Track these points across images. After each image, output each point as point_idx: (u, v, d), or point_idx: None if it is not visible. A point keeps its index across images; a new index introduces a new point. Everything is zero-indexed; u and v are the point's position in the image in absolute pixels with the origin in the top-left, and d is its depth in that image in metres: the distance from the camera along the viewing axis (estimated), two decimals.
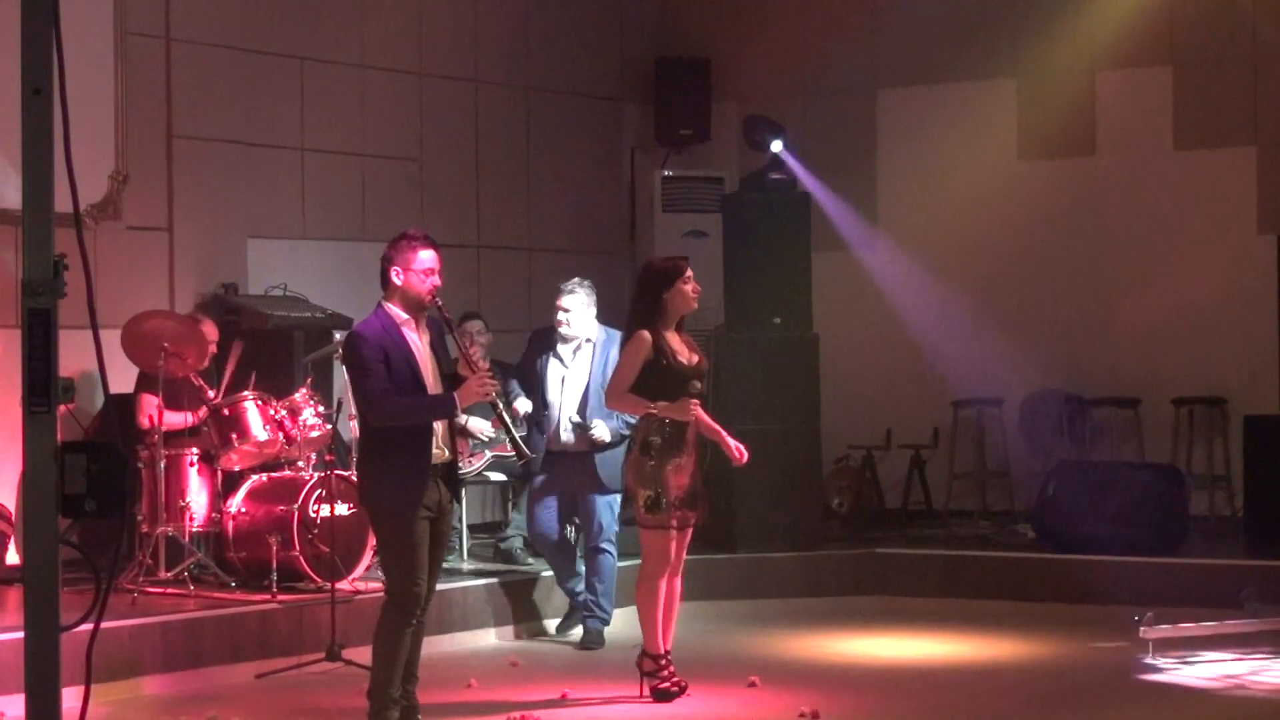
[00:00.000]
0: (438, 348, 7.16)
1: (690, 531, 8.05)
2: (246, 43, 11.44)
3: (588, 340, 9.50)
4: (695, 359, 7.97)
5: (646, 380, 7.87)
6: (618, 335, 8.93)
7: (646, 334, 7.88)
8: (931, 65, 13.66)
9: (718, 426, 8.18)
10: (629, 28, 14.28)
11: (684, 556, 8.07)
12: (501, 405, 7.39)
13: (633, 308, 8.10)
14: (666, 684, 7.93)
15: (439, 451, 7.07)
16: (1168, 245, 12.93)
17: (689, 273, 8.00)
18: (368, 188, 12.29)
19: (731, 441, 8.11)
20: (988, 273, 13.40)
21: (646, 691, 7.96)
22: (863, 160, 13.88)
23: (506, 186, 13.29)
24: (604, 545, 9.49)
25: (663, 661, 7.96)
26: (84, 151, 5.06)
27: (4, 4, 5.39)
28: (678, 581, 8.07)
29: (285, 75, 11.75)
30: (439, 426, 7.09)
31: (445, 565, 9.62)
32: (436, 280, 7.07)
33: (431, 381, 7.07)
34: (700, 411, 7.98)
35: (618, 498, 9.47)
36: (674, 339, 7.95)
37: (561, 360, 9.59)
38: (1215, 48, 12.83)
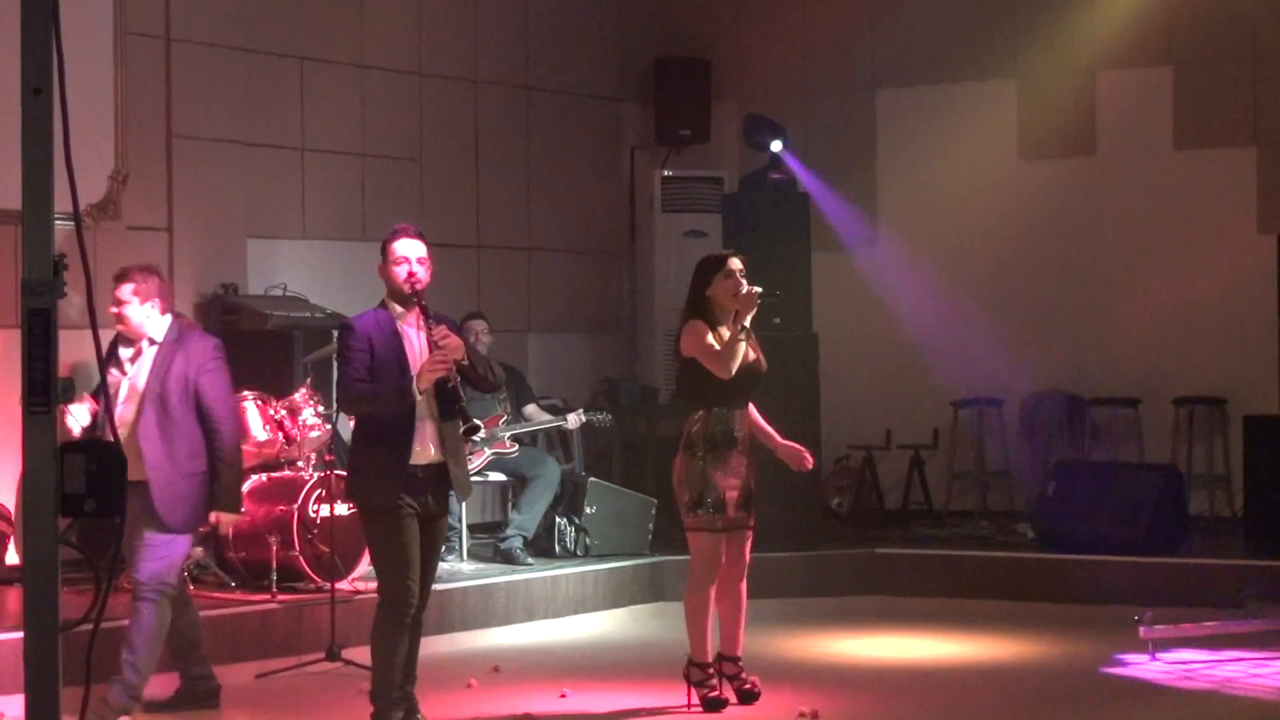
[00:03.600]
0: (434, 343, 7.03)
1: (750, 535, 7.83)
2: (246, 43, 11.44)
3: (150, 343, 7.51)
4: (751, 356, 7.74)
5: (695, 378, 7.73)
6: (198, 336, 7.67)
7: (697, 320, 7.69)
8: (931, 65, 13.66)
9: (771, 430, 7.91)
10: (629, 28, 14.28)
11: (748, 560, 7.84)
12: (456, 380, 6.95)
13: (685, 305, 7.90)
14: (716, 693, 7.74)
15: (422, 450, 6.95)
16: (1168, 245, 12.93)
17: (730, 266, 7.74)
18: (368, 188, 12.29)
19: (794, 445, 7.86)
20: (988, 273, 13.40)
21: (695, 701, 7.77)
22: (863, 160, 13.88)
23: (506, 186, 13.28)
24: (146, 595, 7.37)
25: (710, 670, 7.78)
26: (84, 151, 5.05)
27: (4, 4, 5.39)
28: (744, 585, 7.85)
29: (285, 75, 11.74)
30: (428, 426, 6.98)
31: (445, 565, 9.65)
32: (412, 268, 6.98)
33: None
34: (755, 414, 7.85)
35: (178, 540, 7.44)
36: (709, 335, 7.73)
37: (122, 366, 7.55)
38: (1215, 48, 12.83)
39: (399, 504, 6.90)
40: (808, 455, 7.91)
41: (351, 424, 7.99)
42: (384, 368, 6.95)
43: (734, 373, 7.64)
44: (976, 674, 8.85)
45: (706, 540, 7.70)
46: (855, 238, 13.68)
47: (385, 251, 7.08)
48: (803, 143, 13.37)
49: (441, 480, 7.06)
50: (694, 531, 7.73)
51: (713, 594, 7.76)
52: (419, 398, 6.91)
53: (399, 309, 7.05)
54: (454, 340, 6.98)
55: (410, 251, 7.02)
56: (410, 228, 7.14)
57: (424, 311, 7.02)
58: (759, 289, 7.69)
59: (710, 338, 7.67)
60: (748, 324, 7.66)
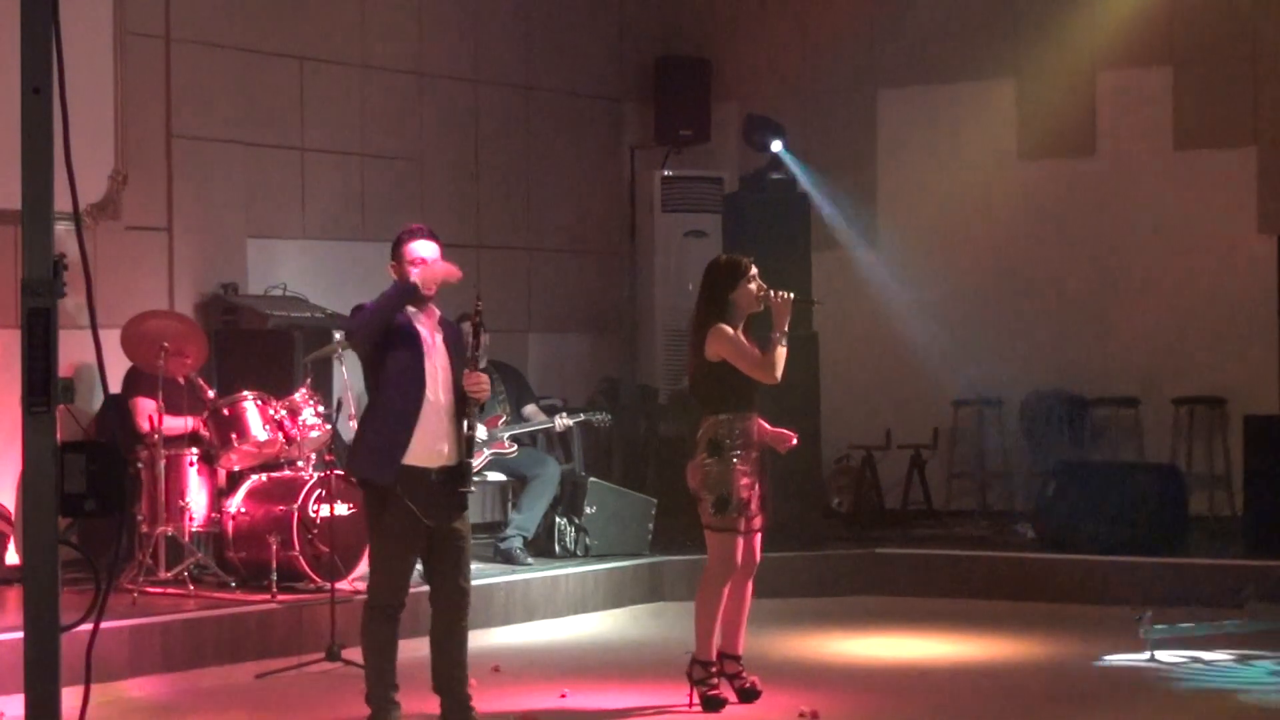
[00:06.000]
0: (452, 347, 7.10)
1: (760, 535, 7.85)
2: (246, 43, 11.44)
3: None
4: None
5: (723, 381, 7.73)
6: None
7: (724, 325, 7.71)
8: (931, 65, 13.67)
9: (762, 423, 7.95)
10: (629, 28, 14.28)
11: (759, 559, 7.87)
12: (471, 417, 7.10)
13: (701, 307, 7.87)
14: (715, 692, 7.74)
15: (437, 450, 6.94)
16: (1168, 245, 12.93)
17: (753, 270, 7.81)
18: (368, 188, 12.29)
19: (779, 430, 7.88)
20: (988, 272, 13.40)
21: (696, 700, 7.76)
22: (863, 160, 13.89)
23: (506, 186, 13.29)
24: None
25: (713, 669, 7.79)
26: (84, 151, 5.03)
27: (4, 4, 5.39)
28: (750, 584, 7.89)
29: (285, 75, 11.75)
30: (444, 423, 6.98)
31: None
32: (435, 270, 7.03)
33: (443, 376, 7.01)
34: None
35: None
36: (744, 339, 7.76)
37: None
38: (1215, 48, 12.83)
39: (400, 497, 6.85)
40: (790, 435, 7.91)
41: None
42: (398, 353, 6.93)
43: (780, 378, 7.66)
44: (976, 674, 8.84)
45: (730, 541, 7.71)
46: (854, 238, 13.68)
47: (399, 251, 7.09)
48: (803, 143, 13.37)
49: (452, 480, 7.02)
50: (719, 532, 7.73)
51: (726, 594, 7.78)
52: (420, 290, 6.97)
53: (411, 308, 7.05)
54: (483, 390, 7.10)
55: (428, 253, 7.07)
56: (424, 228, 7.18)
57: (478, 314, 7.14)
58: (792, 294, 7.73)
59: (746, 343, 7.71)
60: (786, 329, 7.70)
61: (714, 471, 7.70)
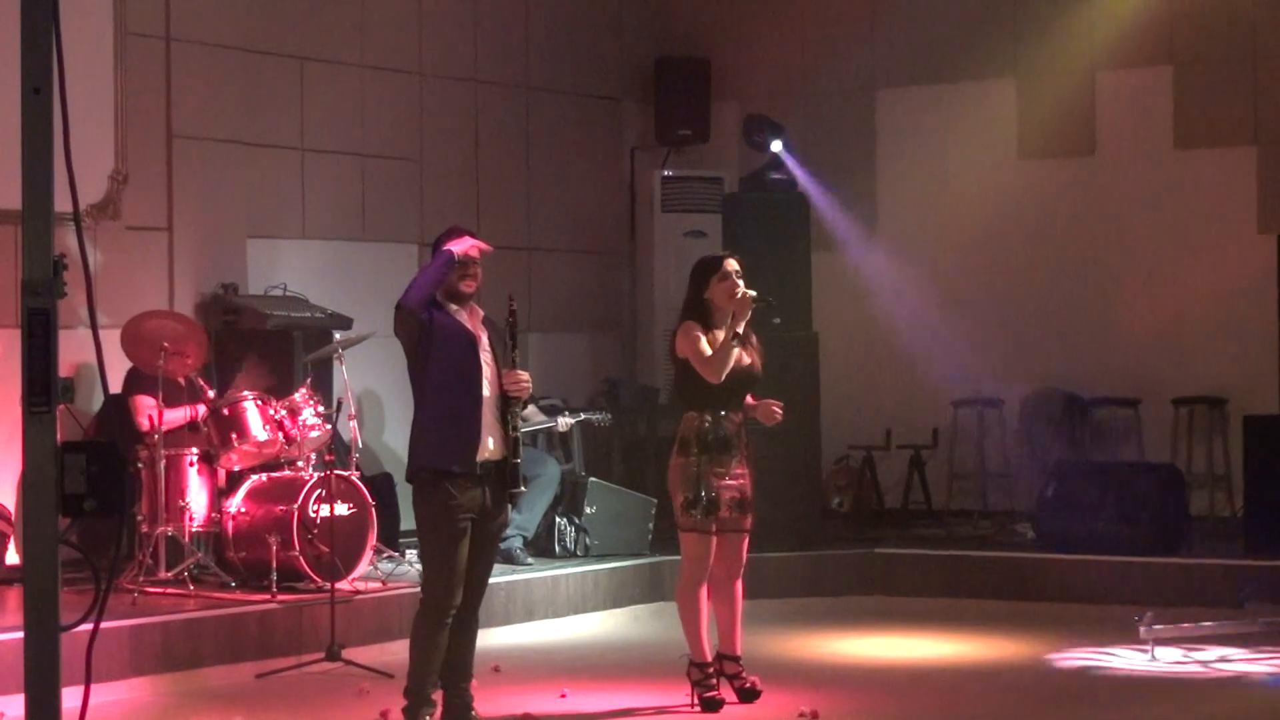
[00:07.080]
0: (494, 346, 7.15)
1: (746, 537, 7.82)
2: (246, 43, 11.44)
3: None
4: (746, 360, 7.72)
5: (690, 380, 7.71)
6: None
7: (691, 322, 7.70)
8: (931, 65, 13.67)
9: (749, 401, 7.88)
10: (629, 28, 14.28)
11: (743, 560, 7.85)
12: (515, 418, 7.16)
13: (683, 306, 7.91)
14: (714, 693, 7.73)
15: (485, 443, 6.99)
16: (1168, 245, 12.93)
17: (725, 268, 7.74)
18: (368, 188, 12.28)
19: (766, 402, 7.80)
20: (987, 273, 13.40)
21: (696, 701, 7.76)
22: (863, 160, 13.88)
23: (506, 186, 13.28)
24: None
25: (710, 670, 7.78)
26: (84, 151, 5.04)
27: (4, 4, 5.39)
28: (739, 585, 7.86)
29: (285, 75, 11.74)
30: (492, 419, 7.02)
31: None
32: (473, 268, 7.13)
33: (489, 373, 7.05)
34: (751, 398, 7.84)
35: None
36: (703, 336, 7.72)
37: None
38: (1215, 48, 12.83)
39: (454, 500, 6.89)
40: (776, 406, 7.82)
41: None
42: (452, 348, 6.98)
43: (724, 378, 7.63)
44: (976, 674, 8.85)
45: (697, 541, 7.70)
46: (853, 238, 13.68)
47: (440, 243, 7.16)
48: (803, 143, 13.36)
49: (499, 479, 7.06)
50: (686, 532, 7.74)
51: (704, 594, 7.77)
52: (457, 258, 7.05)
53: (454, 305, 7.14)
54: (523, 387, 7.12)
55: (469, 250, 7.14)
56: (463, 227, 7.26)
57: (513, 316, 7.16)
58: (753, 293, 7.68)
59: (704, 341, 7.67)
60: (741, 330, 7.65)
61: (684, 470, 7.69)
